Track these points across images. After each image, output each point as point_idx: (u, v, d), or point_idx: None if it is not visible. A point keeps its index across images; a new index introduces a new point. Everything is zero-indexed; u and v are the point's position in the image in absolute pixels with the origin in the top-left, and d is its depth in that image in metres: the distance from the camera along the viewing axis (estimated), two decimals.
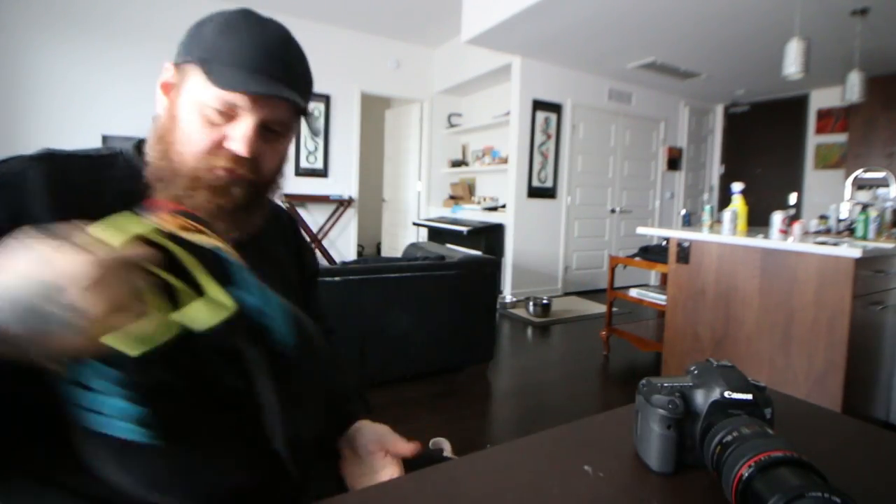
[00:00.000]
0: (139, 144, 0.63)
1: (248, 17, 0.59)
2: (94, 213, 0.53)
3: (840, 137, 4.94)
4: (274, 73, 0.57)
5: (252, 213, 0.62)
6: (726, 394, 0.47)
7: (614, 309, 3.16)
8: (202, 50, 0.57)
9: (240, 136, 0.57)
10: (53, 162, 0.56)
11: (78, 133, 3.88)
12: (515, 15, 3.41)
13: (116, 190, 0.57)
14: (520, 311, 4.10)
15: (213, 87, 0.55)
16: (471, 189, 5.67)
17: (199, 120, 0.57)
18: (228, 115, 0.57)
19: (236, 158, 0.57)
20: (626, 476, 0.49)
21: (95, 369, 0.40)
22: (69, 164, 0.57)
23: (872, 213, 2.33)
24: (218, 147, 0.57)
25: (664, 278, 2.85)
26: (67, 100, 3.88)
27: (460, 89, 5.53)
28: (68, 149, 0.60)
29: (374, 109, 6.46)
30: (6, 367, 0.37)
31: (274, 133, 0.61)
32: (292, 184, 4.92)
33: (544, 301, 3.91)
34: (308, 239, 4.70)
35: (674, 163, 5.74)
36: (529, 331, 3.69)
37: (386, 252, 6.46)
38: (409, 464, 0.69)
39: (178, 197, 0.56)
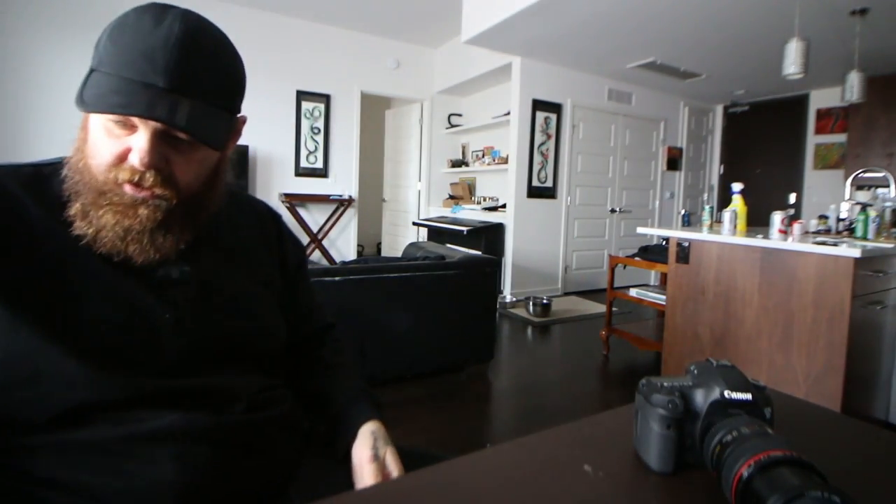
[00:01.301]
0: None
1: (142, 15, 0.52)
2: (26, 219, 0.54)
3: (839, 137, 4.94)
4: (158, 79, 0.51)
5: (172, 232, 0.57)
6: (726, 393, 0.47)
7: (614, 309, 3.16)
8: (95, 59, 0.53)
9: (137, 149, 0.53)
10: None
11: (77, 133, 3.88)
12: (515, 15, 3.41)
13: (53, 199, 0.56)
14: (520, 311, 4.10)
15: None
16: (471, 189, 5.67)
17: (102, 131, 0.54)
18: (129, 125, 0.53)
19: (137, 171, 0.54)
20: (626, 476, 0.49)
21: None
22: (10, 173, 0.57)
23: (872, 213, 2.33)
24: (122, 160, 0.54)
25: (664, 278, 2.85)
26: (67, 99, 3.88)
27: (460, 89, 5.53)
28: (20, 161, 0.60)
29: (374, 109, 6.46)
30: None
31: (185, 142, 0.55)
32: (292, 184, 4.93)
33: (544, 301, 3.91)
34: (303, 238, 4.70)
35: (673, 163, 5.74)
36: (529, 331, 3.69)
37: (386, 252, 6.47)
38: (408, 464, 0.69)
39: (86, 212, 0.54)
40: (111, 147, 0.54)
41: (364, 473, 0.65)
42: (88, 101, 0.51)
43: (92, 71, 0.53)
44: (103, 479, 0.51)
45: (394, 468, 0.66)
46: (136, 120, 0.52)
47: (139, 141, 0.53)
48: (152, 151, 0.53)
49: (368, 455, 0.66)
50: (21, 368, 0.50)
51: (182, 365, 0.58)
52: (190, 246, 0.61)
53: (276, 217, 0.81)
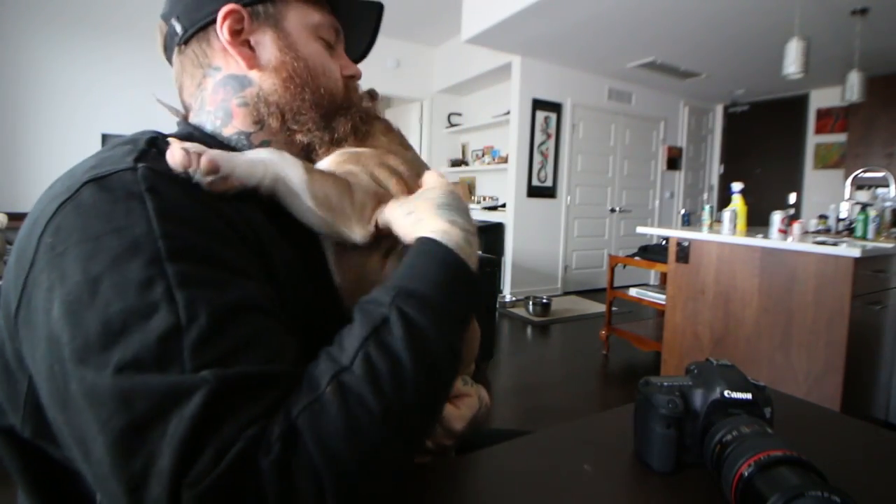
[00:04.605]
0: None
1: None
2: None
3: (839, 137, 4.94)
4: None
5: None
6: (726, 393, 0.47)
7: (614, 308, 3.16)
8: None
9: (348, 62, 0.54)
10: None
11: (78, 131, 3.88)
12: (515, 14, 3.40)
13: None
14: (519, 311, 4.10)
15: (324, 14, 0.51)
16: (471, 189, 5.67)
17: (321, 50, 0.52)
18: (331, 43, 0.53)
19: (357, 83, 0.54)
20: (626, 476, 0.49)
21: None
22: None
23: (872, 212, 2.33)
24: (349, 77, 0.53)
25: (664, 278, 2.85)
26: (67, 98, 3.87)
27: (460, 88, 5.52)
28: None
29: None
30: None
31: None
32: None
33: (544, 300, 3.91)
34: None
35: (673, 162, 5.74)
36: (529, 330, 3.69)
37: None
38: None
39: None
40: (334, 64, 0.53)
41: None
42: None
43: None
44: None
45: None
46: (335, 32, 0.53)
47: (343, 55, 0.54)
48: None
49: None
50: None
51: None
52: None
53: None
